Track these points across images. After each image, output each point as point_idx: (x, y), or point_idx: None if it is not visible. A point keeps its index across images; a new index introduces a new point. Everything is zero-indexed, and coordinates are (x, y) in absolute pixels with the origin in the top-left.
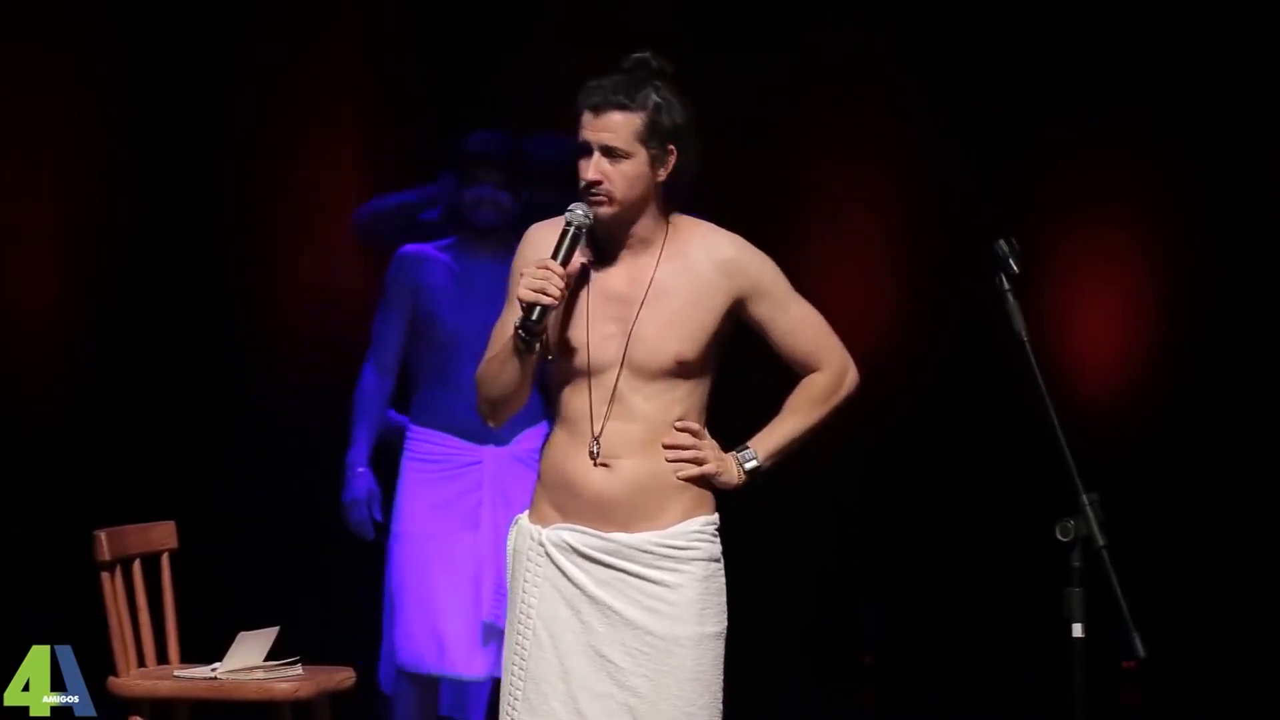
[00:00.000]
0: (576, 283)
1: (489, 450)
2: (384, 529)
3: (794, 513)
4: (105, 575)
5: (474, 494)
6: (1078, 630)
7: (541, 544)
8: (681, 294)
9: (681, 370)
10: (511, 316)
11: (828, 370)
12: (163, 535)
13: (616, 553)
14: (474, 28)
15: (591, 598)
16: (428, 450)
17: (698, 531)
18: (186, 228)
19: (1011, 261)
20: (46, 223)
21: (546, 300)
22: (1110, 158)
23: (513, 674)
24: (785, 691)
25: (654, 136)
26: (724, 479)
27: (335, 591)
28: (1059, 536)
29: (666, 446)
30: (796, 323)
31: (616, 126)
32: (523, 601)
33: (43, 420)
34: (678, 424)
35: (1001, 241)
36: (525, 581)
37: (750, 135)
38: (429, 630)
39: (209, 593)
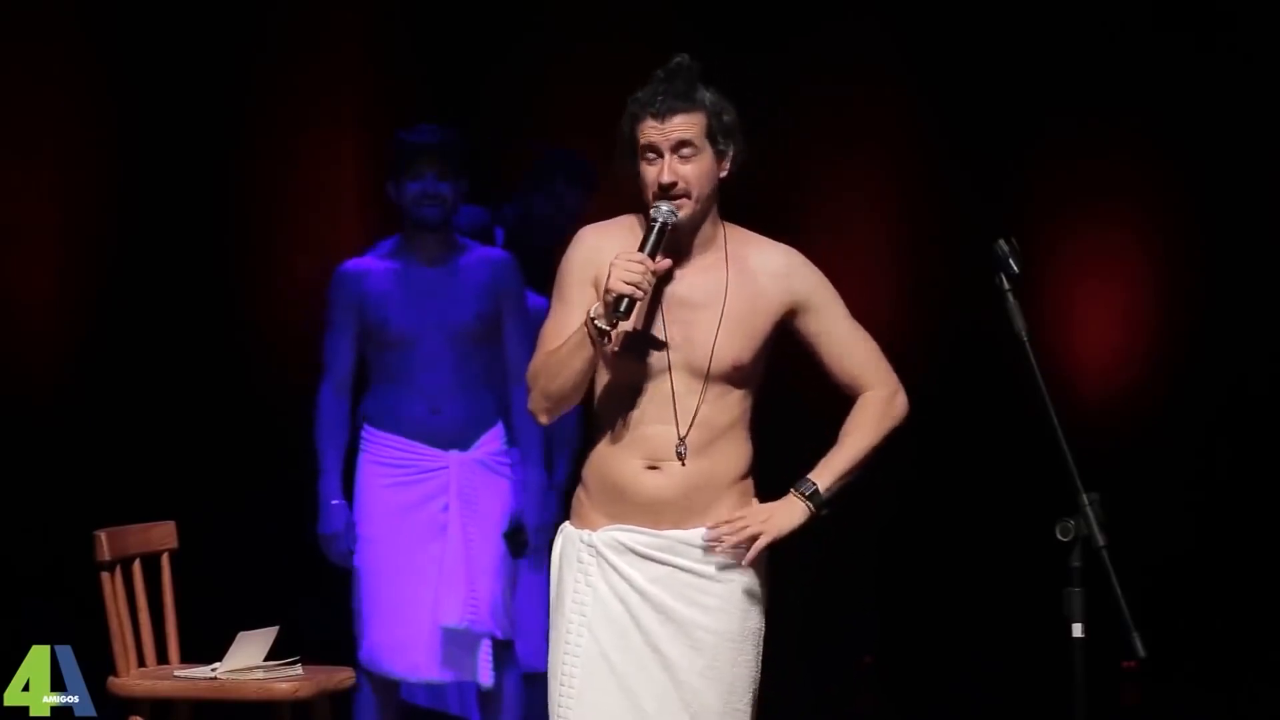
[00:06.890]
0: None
1: (454, 456)
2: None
3: None
4: (105, 575)
5: (439, 500)
6: (1078, 630)
7: (593, 545)
8: (744, 303)
9: (736, 376)
10: (564, 317)
11: (875, 393)
12: (163, 535)
13: (669, 549)
14: (474, 27)
15: (644, 595)
16: (388, 454)
17: None
18: (187, 227)
19: (1011, 261)
20: (46, 222)
21: (639, 294)
22: (1111, 156)
23: (563, 674)
24: (785, 692)
25: (716, 134)
26: (783, 525)
27: (335, 591)
28: (1059, 536)
29: (709, 540)
30: (846, 341)
31: (685, 125)
32: (574, 603)
33: (43, 420)
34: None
35: (1001, 241)
36: (576, 583)
37: (749, 132)
38: (388, 632)
39: (209, 593)
